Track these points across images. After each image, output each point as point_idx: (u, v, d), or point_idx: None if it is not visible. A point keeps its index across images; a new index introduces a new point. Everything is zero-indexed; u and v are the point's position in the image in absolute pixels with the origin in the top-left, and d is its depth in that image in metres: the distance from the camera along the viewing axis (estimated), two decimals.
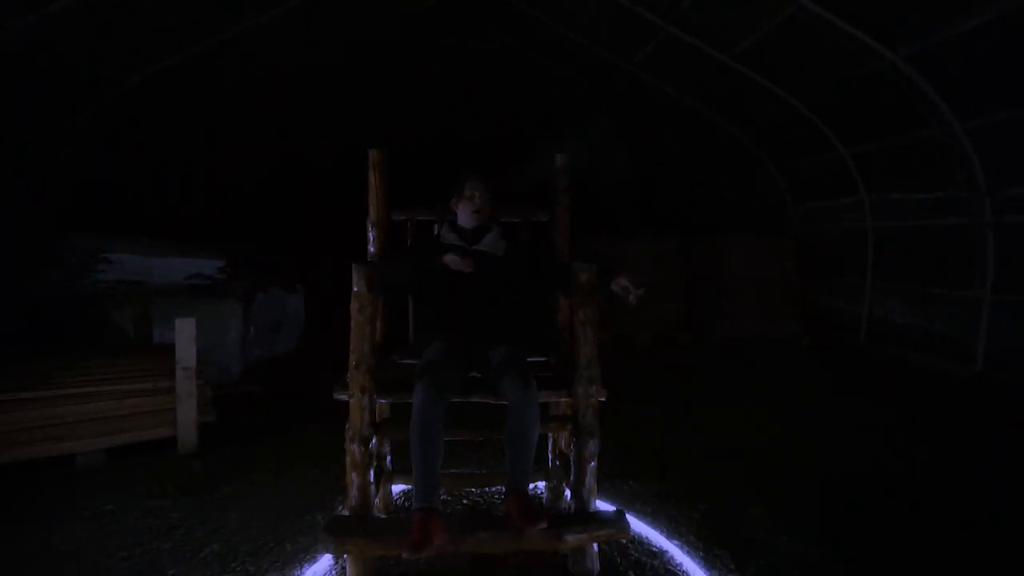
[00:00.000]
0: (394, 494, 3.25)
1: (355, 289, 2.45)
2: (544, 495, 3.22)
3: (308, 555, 2.68)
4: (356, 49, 8.44)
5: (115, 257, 4.82)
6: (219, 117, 8.18)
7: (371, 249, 3.08)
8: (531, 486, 2.77)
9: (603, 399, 2.56)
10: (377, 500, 2.79)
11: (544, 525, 2.28)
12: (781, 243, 8.19)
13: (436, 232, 3.06)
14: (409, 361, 2.79)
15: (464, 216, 2.91)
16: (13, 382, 3.31)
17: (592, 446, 2.49)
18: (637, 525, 2.94)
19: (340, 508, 3.07)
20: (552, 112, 11.63)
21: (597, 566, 2.53)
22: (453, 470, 3.22)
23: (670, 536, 2.88)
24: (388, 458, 3.09)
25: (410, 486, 3.22)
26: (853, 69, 5.97)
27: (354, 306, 2.43)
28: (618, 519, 2.48)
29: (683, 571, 2.60)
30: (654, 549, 2.77)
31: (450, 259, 2.64)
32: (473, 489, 3.34)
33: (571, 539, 2.38)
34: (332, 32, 7.61)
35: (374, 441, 2.51)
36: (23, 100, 5.15)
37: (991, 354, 5.73)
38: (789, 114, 7.32)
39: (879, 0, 5.08)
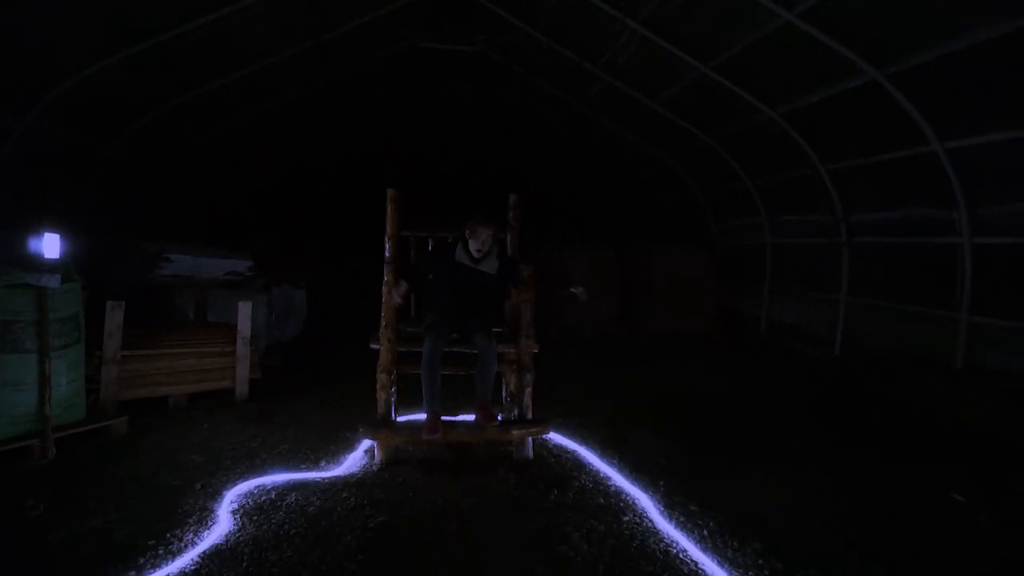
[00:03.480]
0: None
1: (385, 279, 4.00)
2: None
3: (346, 451, 4.21)
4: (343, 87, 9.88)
5: (174, 257, 6.20)
6: (240, 144, 9.66)
7: (387, 254, 4.54)
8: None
9: (536, 351, 4.14)
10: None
11: (497, 424, 3.88)
12: (701, 254, 9.91)
13: (451, 244, 4.31)
14: (412, 329, 4.34)
15: (473, 247, 4.19)
16: (130, 343, 4.72)
17: (528, 378, 4.08)
18: (559, 439, 4.54)
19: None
20: (520, 141, 13.32)
21: (531, 454, 4.11)
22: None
23: (580, 443, 4.47)
24: (395, 395, 4.58)
25: (409, 416, 4.74)
26: (743, 120, 7.76)
27: (384, 289, 3.98)
28: (544, 422, 4.07)
29: (585, 460, 4.19)
30: (568, 448, 4.38)
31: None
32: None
33: (515, 432, 3.97)
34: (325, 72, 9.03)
35: (394, 373, 4.03)
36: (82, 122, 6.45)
37: (845, 342, 7.52)
38: (708, 151, 9.09)
39: (761, 67, 6.79)
